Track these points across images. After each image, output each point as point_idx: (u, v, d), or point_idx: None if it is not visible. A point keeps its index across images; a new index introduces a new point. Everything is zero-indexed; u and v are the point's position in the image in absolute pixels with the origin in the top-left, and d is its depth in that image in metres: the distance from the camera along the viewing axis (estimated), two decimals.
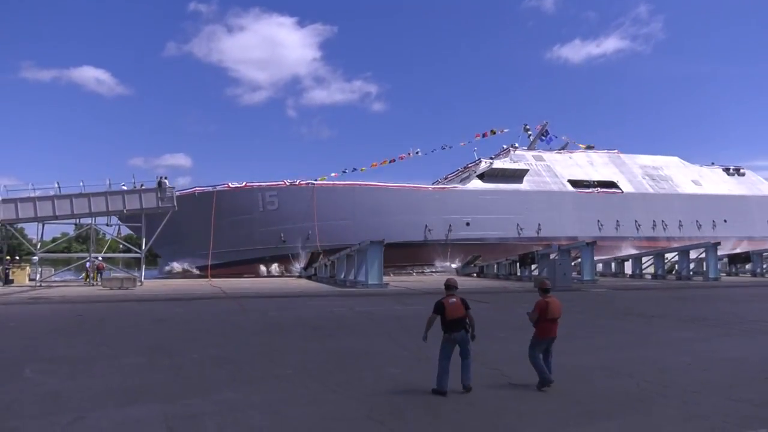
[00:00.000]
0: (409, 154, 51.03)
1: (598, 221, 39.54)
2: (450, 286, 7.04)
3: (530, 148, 57.52)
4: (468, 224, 44.31)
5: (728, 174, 59.22)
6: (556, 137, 58.65)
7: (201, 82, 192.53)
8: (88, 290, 25.26)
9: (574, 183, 51.08)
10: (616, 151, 57.59)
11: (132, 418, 5.77)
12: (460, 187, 47.16)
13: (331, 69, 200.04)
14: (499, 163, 48.43)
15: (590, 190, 50.97)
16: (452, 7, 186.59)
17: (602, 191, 51.23)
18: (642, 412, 6.17)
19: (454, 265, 43.70)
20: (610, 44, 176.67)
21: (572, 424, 5.68)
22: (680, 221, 50.24)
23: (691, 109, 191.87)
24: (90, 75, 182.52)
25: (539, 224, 45.37)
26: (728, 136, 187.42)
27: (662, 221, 50.38)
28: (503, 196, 46.59)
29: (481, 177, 48.05)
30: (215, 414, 5.92)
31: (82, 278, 32.88)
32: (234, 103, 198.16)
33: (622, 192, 51.62)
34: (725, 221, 50.25)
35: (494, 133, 55.39)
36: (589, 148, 57.85)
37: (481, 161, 50.86)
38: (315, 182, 42.51)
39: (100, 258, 31.88)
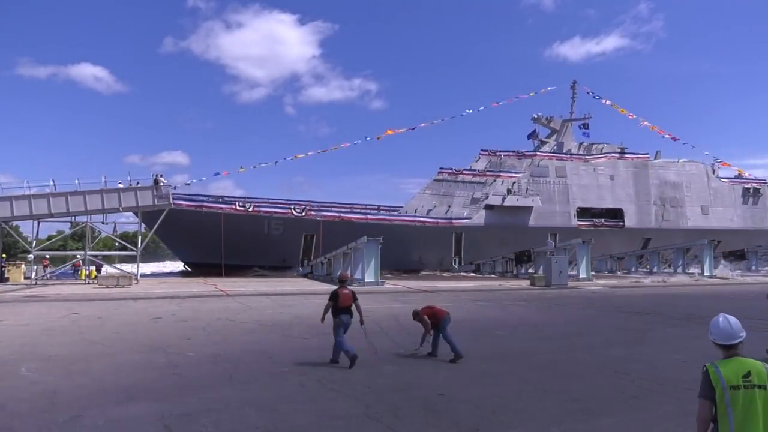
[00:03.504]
0: (434, 122, 50.28)
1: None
2: (344, 281, 8.98)
3: (563, 128, 55.73)
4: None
5: (745, 196, 56.68)
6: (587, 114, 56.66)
7: (199, 79, 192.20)
8: (83, 288, 25.17)
9: (581, 212, 50.27)
10: (647, 155, 55.98)
11: (128, 417, 5.76)
12: (464, 222, 46.33)
13: (330, 66, 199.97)
14: (512, 199, 47.32)
15: (593, 221, 50.05)
16: (452, 6, 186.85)
17: (604, 224, 50.47)
18: (638, 408, 6.20)
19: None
20: (610, 42, 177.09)
21: (569, 421, 5.70)
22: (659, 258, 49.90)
23: (691, 108, 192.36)
24: (88, 72, 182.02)
25: None
26: (728, 134, 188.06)
27: (646, 259, 50.19)
28: (504, 234, 45.57)
29: (491, 206, 47.35)
30: (212, 412, 5.91)
31: (77, 275, 33.16)
32: (232, 100, 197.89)
33: (623, 226, 51.01)
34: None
35: (533, 94, 54.28)
36: (622, 150, 55.83)
37: (498, 178, 49.02)
38: (322, 213, 42.33)
39: (78, 257, 32.77)
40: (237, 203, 41.38)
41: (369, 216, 43.86)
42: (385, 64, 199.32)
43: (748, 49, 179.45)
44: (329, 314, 8.63)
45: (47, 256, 34.27)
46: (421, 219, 45.85)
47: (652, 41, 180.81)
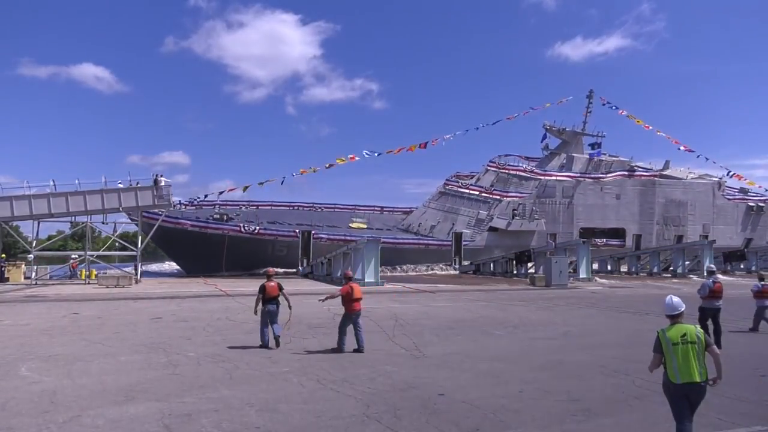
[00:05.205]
0: (445, 138, 50.09)
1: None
2: (270, 275, 10.42)
3: (574, 140, 55.57)
4: None
5: (749, 213, 56.70)
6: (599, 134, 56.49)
7: (200, 78, 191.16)
8: (83, 288, 25.18)
9: (584, 233, 49.83)
10: (658, 172, 55.73)
11: (128, 416, 5.76)
12: (467, 243, 46.06)
13: (331, 67, 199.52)
14: (516, 223, 47.51)
15: (595, 241, 48.57)
16: (454, 5, 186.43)
17: (605, 244, 50.24)
18: (638, 409, 6.20)
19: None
20: (612, 42, 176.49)
21: (568, 422, 5.70)
22: None
23: (692, 108, 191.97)
24: (89, 72, 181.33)
25: None
26: (728, 134, 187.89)
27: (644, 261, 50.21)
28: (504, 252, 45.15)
29: (494, 229, 47.48)
30: (211, 412, 5.91)
31: (73, 275, 33.25)
32: (233, 100, 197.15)
33: (623, 245, 50.92)
34: None
35: (547, 105, 54.03)
36: (631, 168, 55.41)
37: (505, 199, 49.07)
38: (326, 238, 42.36)
39: (74, 257, 32.90)
40: (242, 226, 41.37)
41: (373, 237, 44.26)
42: (386, 64, 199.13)
43: (750, 49, 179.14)
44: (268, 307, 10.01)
45: (74, 257, 34.47)
46: (424, 242, 46.39)
47: (654, 41, 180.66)
